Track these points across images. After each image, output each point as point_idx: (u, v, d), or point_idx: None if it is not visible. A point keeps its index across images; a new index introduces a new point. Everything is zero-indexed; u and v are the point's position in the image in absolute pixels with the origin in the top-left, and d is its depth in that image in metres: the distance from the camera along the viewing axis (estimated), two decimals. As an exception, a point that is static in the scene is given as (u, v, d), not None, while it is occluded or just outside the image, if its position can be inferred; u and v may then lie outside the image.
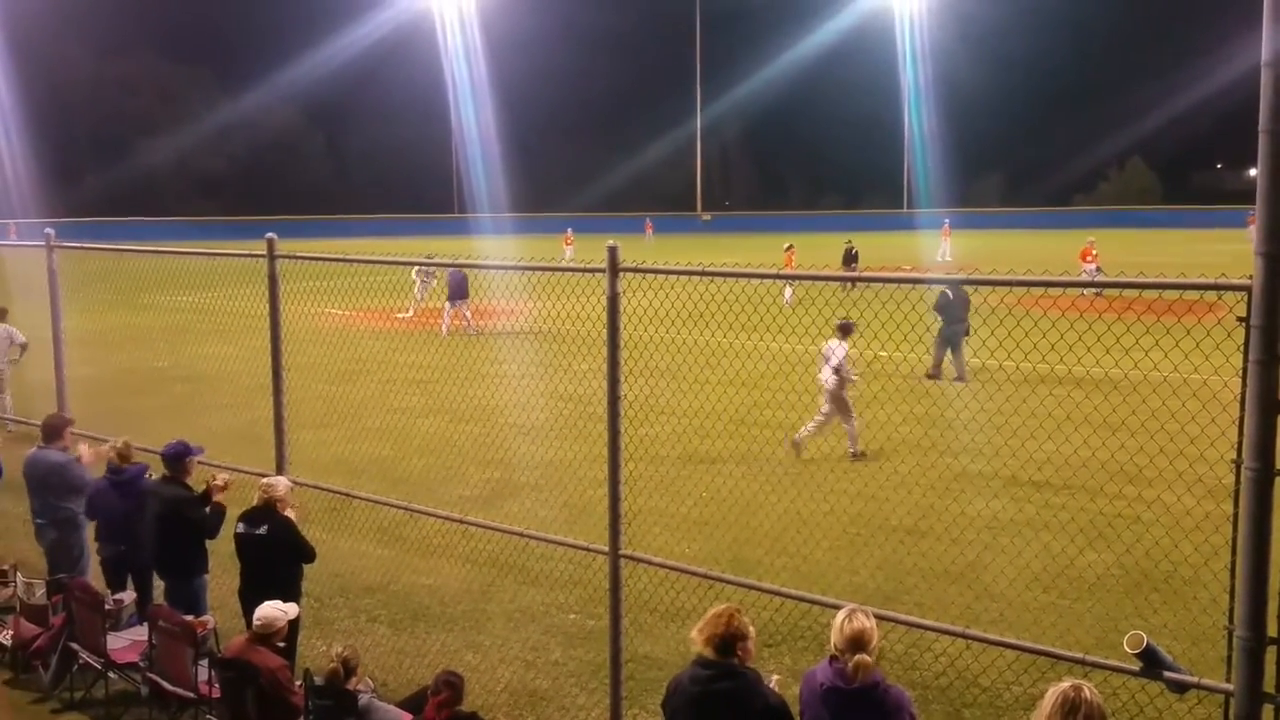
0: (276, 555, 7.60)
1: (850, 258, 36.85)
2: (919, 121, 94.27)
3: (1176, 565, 8.72)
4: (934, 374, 20.18)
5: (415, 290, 30.29)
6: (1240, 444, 4.15)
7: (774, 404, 17.23)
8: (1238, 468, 4.16)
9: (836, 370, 14.79)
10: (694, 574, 6.88)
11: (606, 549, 6.52)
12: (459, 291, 27.45)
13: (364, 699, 6.55)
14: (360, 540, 10.96)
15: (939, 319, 20.10)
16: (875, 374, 17.97)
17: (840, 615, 4.95)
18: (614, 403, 6.27)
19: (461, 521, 8.36)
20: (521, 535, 7.83)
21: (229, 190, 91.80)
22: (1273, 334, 3.96)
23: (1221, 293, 4.13)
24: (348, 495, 8.99)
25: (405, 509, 8.89)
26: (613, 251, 6.12)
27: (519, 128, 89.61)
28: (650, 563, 6.63)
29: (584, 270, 6.79)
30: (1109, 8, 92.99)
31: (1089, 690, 4.24)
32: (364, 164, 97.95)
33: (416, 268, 26.11)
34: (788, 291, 30.85)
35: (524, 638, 8.94)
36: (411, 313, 29.83)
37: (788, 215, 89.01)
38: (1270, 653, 4.29)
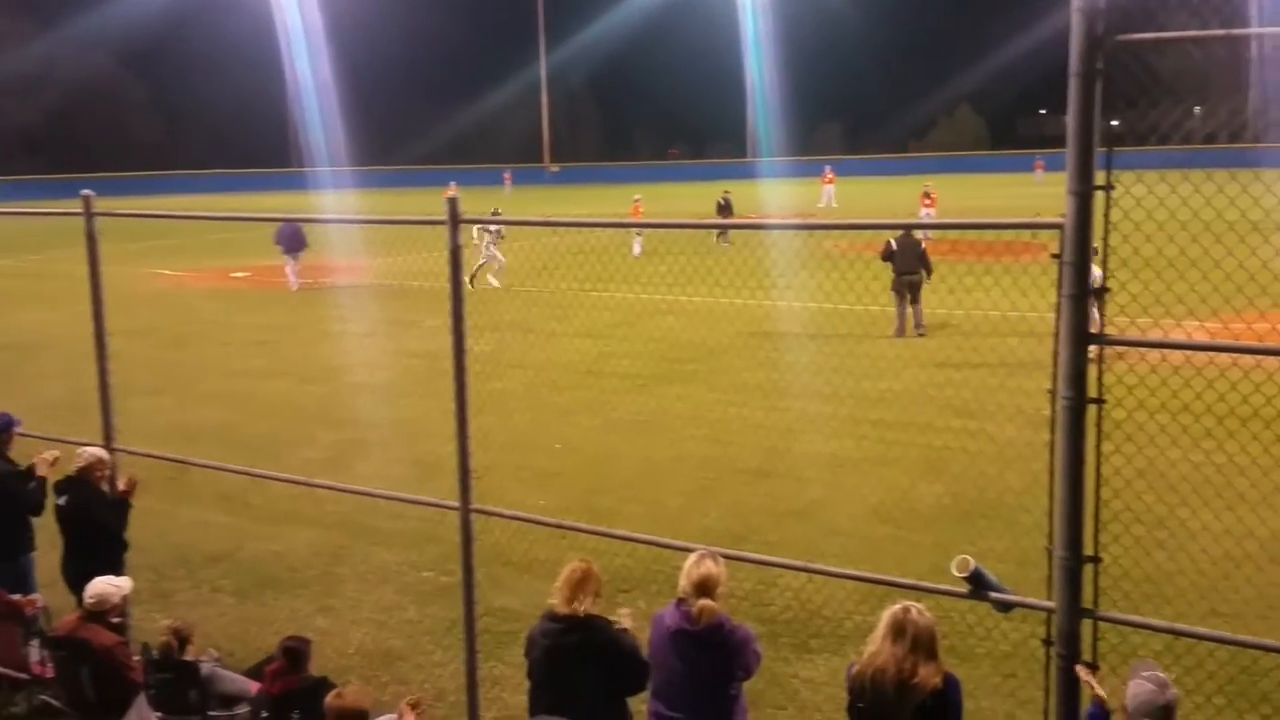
0: (82, 526, 7.32)
1: (724, 208, 37.18)
2: (760, 71, 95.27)
3: (1003, 493, 9.17)
4: (899, 332, 18.72)
5: (484, 249, 25.97)
6: (1055, 375, 4.37)
7: (624, 354, 17.38)
8: (1053, 397, 4.38)
9: None
10: (545, 524, 6.90)
11: (457, 505, 6.47)
12: (294, 244, 26.60)
13: (206, 668, 6.39)
14: (202, 509, 10.64)
15: (890, 269, 19.13)
16: (731, 320, 18.24)
17: (689, 560, 5.05)
18: (459, 356, 6.20)
19: (307, 484, 8.18)
20: (370, 495, 7.73)
21: (49, 146, 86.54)
22: (1083, 269, 4.17)
23: (1036, 231, 4.32)
24: (183, 463, 8.68)
25: (246, 474, 8.63)
26: (452, 203, 6.02)
27: (357, 78, 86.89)
28: (501, 515, 6.61)
29: (424, 222, 6.67)
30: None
31: (916, 611, 4.46)
32: (193, 117, 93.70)
33: (477, 227, 23.69)
34: (636, 244, 31.09)
35: (377, 598, 8.85)
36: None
37: (636, 166, 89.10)
38: (1088, 571, 4.55)
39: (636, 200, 35.70)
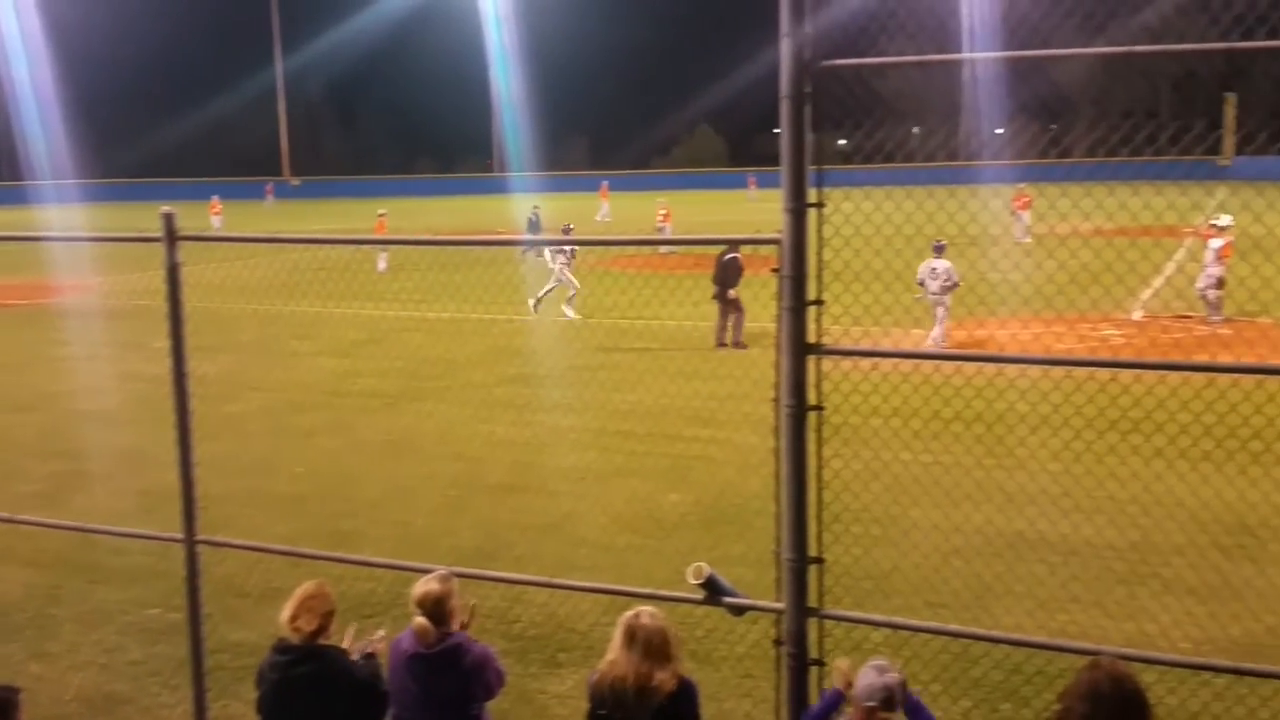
0: None
1: (534, 224, 36.73)
2: (507, 85, 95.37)
3: (745, 499, 9.51)
4: (720, 342, 18.69)
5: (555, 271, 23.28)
6: (778, 384, 4.57)
7: (370, 372, 16.98)
8: (777, 405, 4.58)
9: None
10: (278, 552, 6.64)
11: (181, 537, 6.14)
12: None
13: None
14: (-108, 554, 9.64)
15: (713, 286, 19.06)
16: (480, 336, 18.13)
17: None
18: (180, 379, 5.89)
19: (12, 521, 7.55)
20: (84, 530, 7.21)
21: None
22: (800, 282, 4.39)
23: (758, 247, 4.52)
24: None
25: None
26: (168, 218, 5.72)
27: (80, 87, 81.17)
28: (230, 545, 6.32)
29: (139, 239, 6.30)
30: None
31: (647, 616, 4.56)
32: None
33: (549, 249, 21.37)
34: (382, 260, 30.57)
35: (98, 640, 8.25)
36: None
37: (380, 180, 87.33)
38: (813, 572, 4.78)
39: (381, 215, 35.02)
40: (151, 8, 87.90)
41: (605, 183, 57.32)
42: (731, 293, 18.70)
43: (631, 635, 4.54)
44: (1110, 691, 3.96)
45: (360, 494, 11.15)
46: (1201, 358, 14.91)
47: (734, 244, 18.19)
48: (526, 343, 19.88)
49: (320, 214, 59.96)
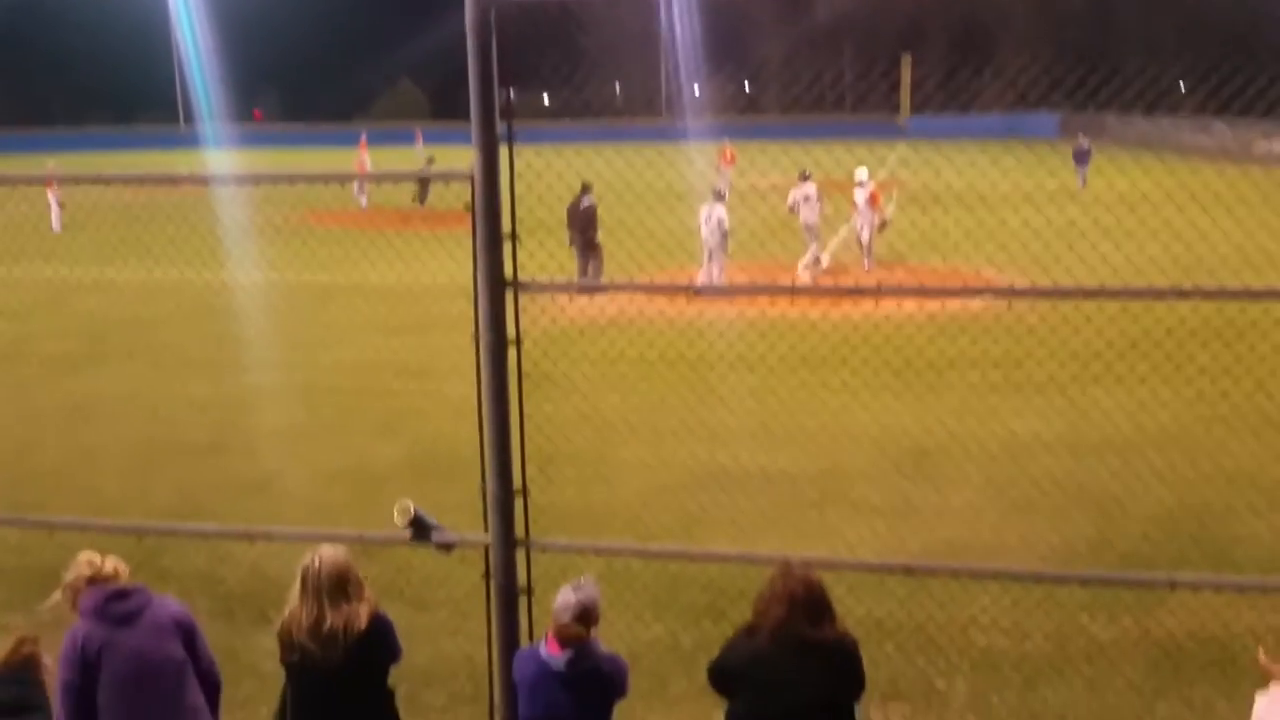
0: None
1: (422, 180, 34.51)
2: (193, 35, 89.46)
3: (457, 446, 9.49)
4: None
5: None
6: (476, 319, 4.60)
7: (48, 335, 15.74)
8: (477, 340, 4.61)
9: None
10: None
11: None
12: None
13: None
14: None
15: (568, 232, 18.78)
16: (171, 295, 17.08)
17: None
18: None
19: None
20: None
21: None
22: (494, 217, 4.42)
23: (449, 181, 4.51)
24: None
25: None
26: None
27: None
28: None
29: None
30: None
31: (321, 558, 4.48)
32: None
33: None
34: (55, 218, 28.42)
35: None
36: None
37: (53, 134, 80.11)
38: (521, 507, 4.86)
39: (52, 169, 32.27)
40: None
41: (364, 134, 54.74)
42: (598, 239, 18.70)
43: (307, 578, 4.48)
44: (801, 592, 4.31)
45: (39, 463, 10.36)
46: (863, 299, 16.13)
47: (584, 190, 18.25)
48: (225, 302, 18.93)
49: (-17, 169, 54.48)
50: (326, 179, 4.77)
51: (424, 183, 33.70)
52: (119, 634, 4.26)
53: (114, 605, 4.30)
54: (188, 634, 4.47)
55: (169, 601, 4.53)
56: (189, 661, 4.41)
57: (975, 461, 8.64)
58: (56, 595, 4.36)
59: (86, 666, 4.25)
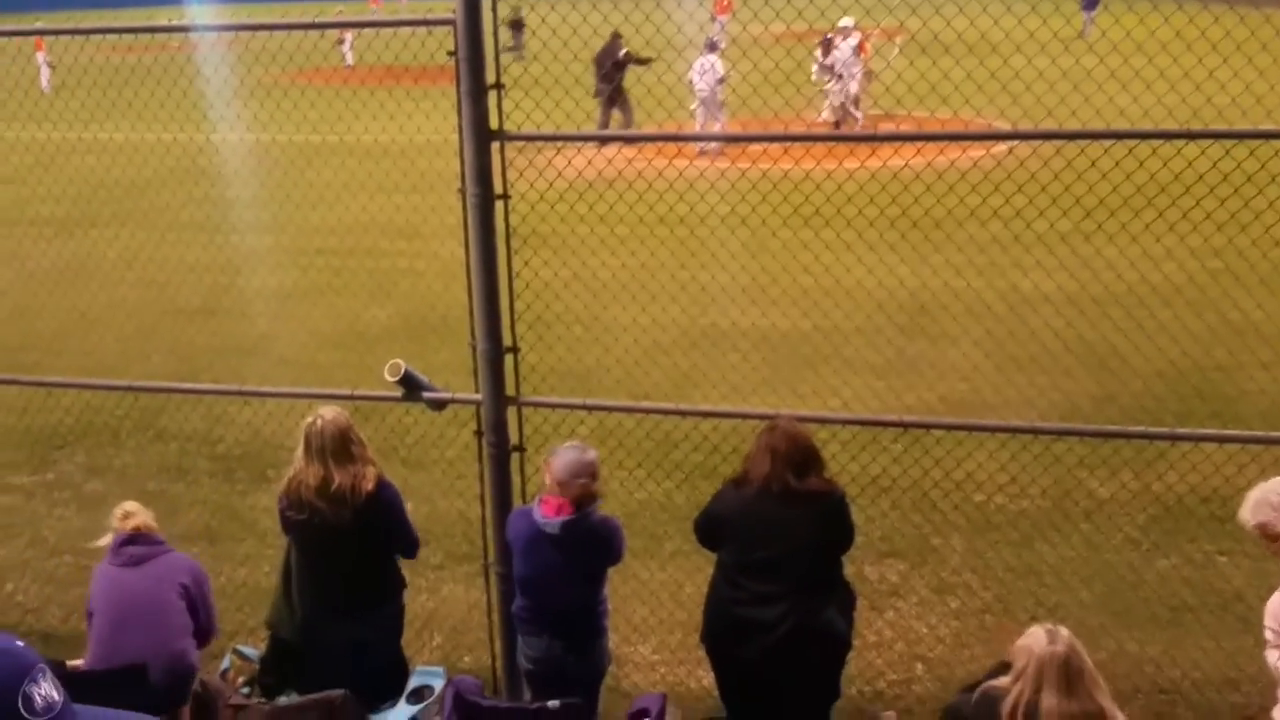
0: None
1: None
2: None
3: (449, 307, 9.41)
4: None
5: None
6: (462, 173, 4.47)
7: (41, 198, 15.52)
8: (463, 195, 4.49)
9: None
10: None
11: None
12: None
13: None
14: None
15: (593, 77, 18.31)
16: (161, 156, 16.75)
17: None
18: None
19: None
20: None
21: None
22: (478, 66, 4.25)
23: (432, 29, 4.32)
24: None
25: None
26: None
27: None
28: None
29: None
30: None
31: (324, 419, 4.54)
32: None
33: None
34: (45, 79, 27.88)
35: None
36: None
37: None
38: (509, 361, 4.81)
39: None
40: None
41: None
42: (623, 87, 18.34)
43: (310, 438, 4.49)
44: (787, 445, 4.31)
45: (38, 326, 10.34)
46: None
47: (614, 37, 17.71)
48: (214, 163, 18.61)
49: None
50: (306, 27, 4.57)
51: (517, 25, 31.82)
52: (123, 574, 4.61)
53: (125, 549, 4.65)
54: (194, 586, 4.72)
55: (182, 557, 4.81)
56: (184, 612, 4.65)
57: (975, 316, 8.55)
58: (106, 538, 4.73)
59: (94, 598, 4.69)
